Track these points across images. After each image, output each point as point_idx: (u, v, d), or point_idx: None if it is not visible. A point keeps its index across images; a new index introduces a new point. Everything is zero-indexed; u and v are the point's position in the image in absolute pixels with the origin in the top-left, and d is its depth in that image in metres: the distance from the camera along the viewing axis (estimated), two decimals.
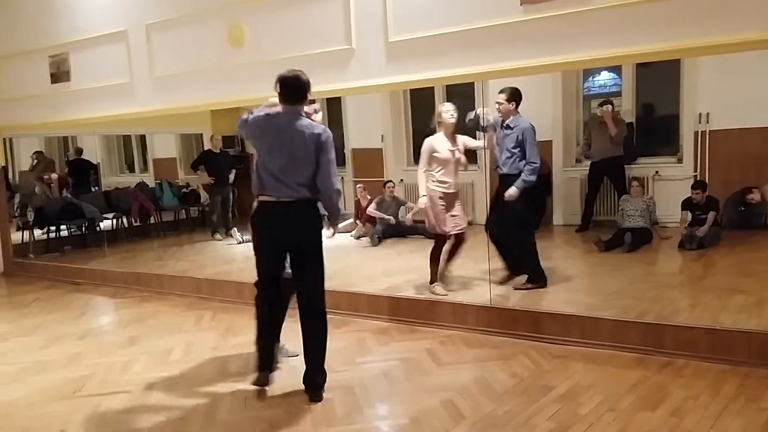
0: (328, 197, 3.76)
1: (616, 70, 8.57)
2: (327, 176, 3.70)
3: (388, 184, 8.85)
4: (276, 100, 3.78)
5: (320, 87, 5.26)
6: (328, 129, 3.75)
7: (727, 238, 7.09)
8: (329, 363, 3.93)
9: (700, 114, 7.86)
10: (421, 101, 10.16)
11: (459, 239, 5.46)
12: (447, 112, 5.31)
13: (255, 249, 3.87)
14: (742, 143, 7.62)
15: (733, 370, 3.82)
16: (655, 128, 8.67)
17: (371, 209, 8.51)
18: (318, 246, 3.78)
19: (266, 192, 3.73)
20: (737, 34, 3.76)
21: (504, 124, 5.30)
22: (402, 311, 5.18)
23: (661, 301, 4.99)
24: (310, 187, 3.71)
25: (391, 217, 8.50)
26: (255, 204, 3.80)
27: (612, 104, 8.08)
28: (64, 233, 9.19)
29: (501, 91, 5.28)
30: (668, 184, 7.90)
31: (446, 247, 5.45)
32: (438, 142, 5.32)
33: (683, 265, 6.32)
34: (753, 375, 3.74)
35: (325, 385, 3.82)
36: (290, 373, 4.17)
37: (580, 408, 3.45)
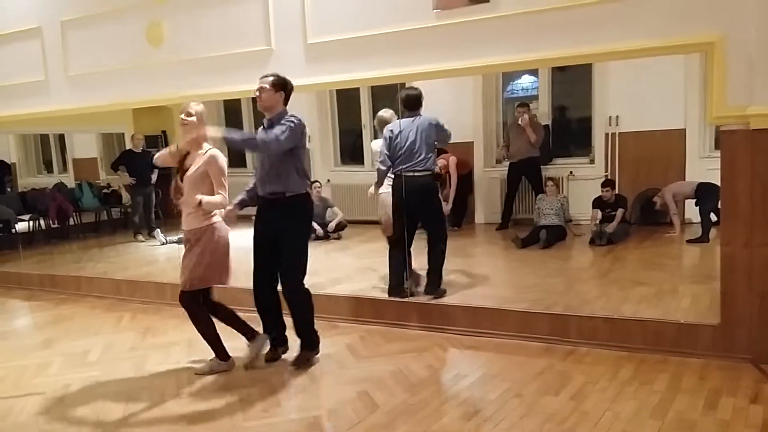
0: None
1: (537, 73, 8.92)
2: None
3: (314, 185, 8.85)
4: None
5: (239, 87, 5.33)
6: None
7: (634, 234, 7.52)
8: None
9: (611, 117, 8.29)
10: (347, 101, 10.27)
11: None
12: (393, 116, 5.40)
13: None
14: (648, 144, 8.10)
15: (629, 356, 4.09)
16: (569, 130, 9.09)
17: None
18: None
19: None
20: (639, 41, 4.02)
21: None
22: (323, 308, 5.25)
23: (569, 294, 5.26)
24: None
25: (319, 228, 8.46)
26: None
27: (528, 107, 8.40)
28: None
29: None
30: (581, 184, 8.30)
31: None
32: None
33: (593, 260, 6.66)
34: (647, 360, 4.02)
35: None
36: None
37: (488, 395, 3.63)
